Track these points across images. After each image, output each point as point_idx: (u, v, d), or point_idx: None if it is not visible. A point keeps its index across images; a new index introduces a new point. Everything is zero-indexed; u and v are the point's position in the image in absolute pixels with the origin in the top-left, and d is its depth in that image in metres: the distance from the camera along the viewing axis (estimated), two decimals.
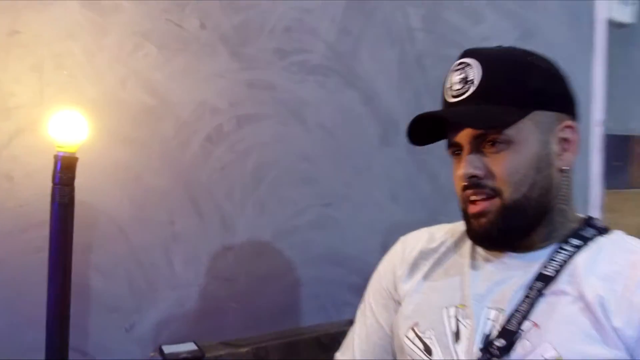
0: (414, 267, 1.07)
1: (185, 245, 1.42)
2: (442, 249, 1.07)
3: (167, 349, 1.35)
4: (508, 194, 0.94)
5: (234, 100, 1.47)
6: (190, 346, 1.36)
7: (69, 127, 1.05)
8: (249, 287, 1.52)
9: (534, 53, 1.01)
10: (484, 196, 0.95)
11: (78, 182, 1.28)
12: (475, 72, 0.96)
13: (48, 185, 1.25)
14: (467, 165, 0.95)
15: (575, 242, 0.97)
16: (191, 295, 1.44)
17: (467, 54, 0.99)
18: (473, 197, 0.96)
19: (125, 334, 1.36)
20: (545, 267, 0.96)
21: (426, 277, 1.05)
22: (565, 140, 0.98)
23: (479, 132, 0.95)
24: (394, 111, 1.76)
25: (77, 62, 1.27)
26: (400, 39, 1.77)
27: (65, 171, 1.04)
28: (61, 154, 1.04)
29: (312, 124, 1.60)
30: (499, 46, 1.02)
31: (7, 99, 1.21)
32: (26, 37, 1.22)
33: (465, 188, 0.97)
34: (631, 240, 0.98)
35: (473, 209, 0.96)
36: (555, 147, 0.97)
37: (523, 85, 0.96)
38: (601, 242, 0.97)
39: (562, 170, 0.98)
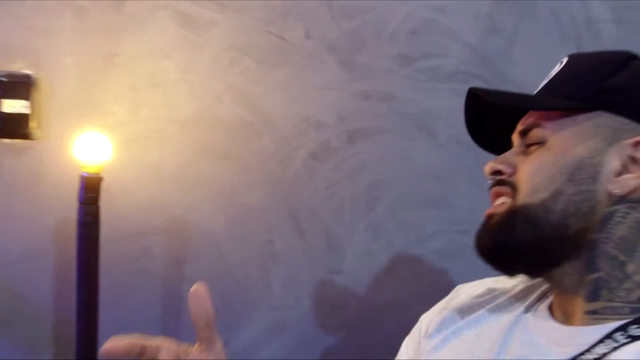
0: (447, 321, 0.86)
1: (285, 265, 1.37)
2: (491, 304, 0.84)
3: None
4: (522, 194, 0.73)
5: (343, 114, 1.36)
6: None
7: (93, 148, 1.08)
8: (362, 317, 1.40)
9: None
10: (504, 198, 0.76)
11: (173, 197, 1.33)
12: (558, 68, 0.81)
13: (143, 199, 1.32)
14: (494, 160, 0.77)
15: (636, 330, 0.67)
16: (292, 318, 1.38)
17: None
18: (495, 201, 0.77)
19: None
20: (576, 357, 0.69)
21: (456, 334, 0.84)
22: (633, 159, 0.71)
23: (524, 126, 0.77)
24: None
25: (171, 80, 1.31)
26: (575, 33, 1.45)
27: (89, 191, 1.07)
28: (85, 175, 1.08)
29: (444, 138, 1.40)
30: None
31: (106, 117, 1.30)
32: (123, 59, 1.30)
33: (490, 187, 0.78)
34: None
35: (487, 211, 0.77)
36: (614, 163, 0.71)
37: (595, 81, 0.75)
38: None
39: (616, 198, 0.70)
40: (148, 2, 1.29)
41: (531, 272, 0.76)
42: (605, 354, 0.66)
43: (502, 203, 0.75)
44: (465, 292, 0.89)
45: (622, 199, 0.70)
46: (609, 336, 0.67)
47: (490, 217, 0.75)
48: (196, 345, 0.70)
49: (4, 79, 1.25)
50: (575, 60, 0.79)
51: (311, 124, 1.35)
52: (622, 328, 0.67)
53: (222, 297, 1.35)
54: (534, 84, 1.38)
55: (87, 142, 1.10)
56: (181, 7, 1.30)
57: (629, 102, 0.73)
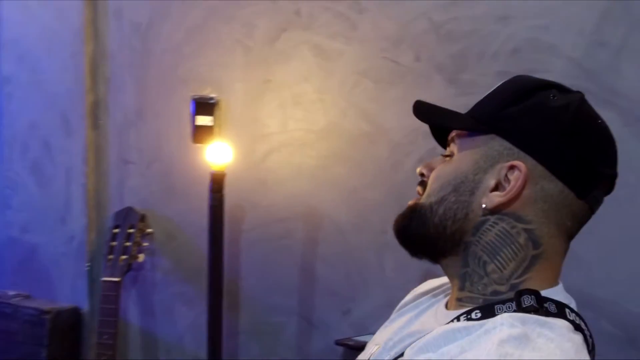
0: (403, 304, 1.04)
1: (396, 253, 1.59)
2: (432, 292, 1.00)
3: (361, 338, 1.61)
4: (424, 196, 0.88)
5: None
6: None
7: (218, 153, 1.47)
8: None
9: (569, 95, 0.85)
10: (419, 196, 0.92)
11: (309, 191, 1.69)
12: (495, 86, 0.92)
13: (288, 191, 1.71)
14: (422, 164, 0.91)
15: (475, 314, 0.83)
16: (400, 298, 1.61)
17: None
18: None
19: (342, 316, 1.67)
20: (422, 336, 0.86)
21: (400, 315, 1.01)
22: (506, 179, 0.82)
23: (448, 139, 0.90)
24: None
25: (310, 100, 1.66)
26: None
27: (215, 183, 1.47)
28: (213, 172, 1.48)
29: None
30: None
31: (263, 128, 1.71)
32: (275, 84, 1.69)
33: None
34: (514, 336, 0.74)
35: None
36: (490, 181, 0.83)
37: (498, 106, 0.86)
38: (487, 324, 0.77)
39: (488, 211, 0.82)
40: (293, 39, 1.66)
41: (427, 257, 0.89)
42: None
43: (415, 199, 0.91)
44: (428, 284, 1.03)
45: (493, 211, 0.81)
46: (457, 318, 0.81)
47: (406, 208, 0.90)
48: None
49: (198, 101, 1.74)
50: (507, 83, 0.88)
51: (420, 133, 1.58)
52: (467, 312, 0.80)
53: (345, 274, 1.67)
54: None
55: (214, 149, 1.52)
56: (317, 41, 1.64)
57: (516, 131, 0.82)
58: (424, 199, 0.88)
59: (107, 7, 1.82)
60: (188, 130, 1.77)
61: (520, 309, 0.79)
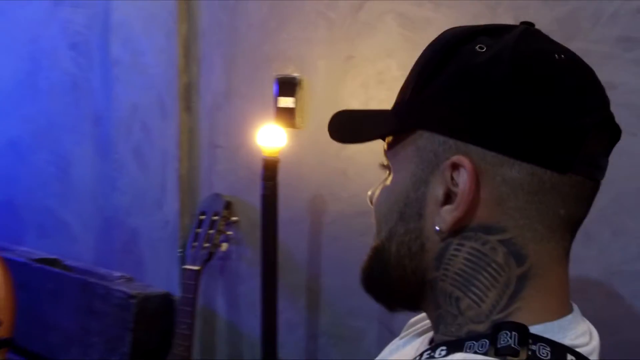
0: (410, 325, 0.85)
1: None
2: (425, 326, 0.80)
3: None
4: (375, 234, 0.69)
5: None
6: None
7: (270, 137, 1.30)
8: None
9: (503, 37, 0.60)
10: None
11: None
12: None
13: (370, 181, 1.51)
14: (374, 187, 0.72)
15: (442, 350, 0.60)
16: None
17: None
18: None
19: None
20: None
21: (396, 349, 0.83)
22: (455, 184, 0.59)
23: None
24: None
25: (393, 77, 1.44)
26: None
27: (267, 170, 1.30)
28: (265, 157, 1.31)
29: None
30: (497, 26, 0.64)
31: None
32: (357, 60, 1.49)
33: None
34: None
35: None
36: (437, 192, 0.60)
37: (417, 88, 0.62)
38: None
39: (445, 233, 0.60)
40: (377, 8, 1.45)
41: (405, 308, 0.68)
42: None
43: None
44: None
45: (453, 232, 0.59)
46: (420, 354, 0.63)
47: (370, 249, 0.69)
48: None
49: (282, 80, 1.60)
50: (425, 49, 0.65)
51: None
52: (432, 348, 0.61)
53: None
54: None
55: (267, 132, 1.36)
56: (402, 9, 1.42)
57: (440, 116, 0.58)
58: (376, 238, 0.67)
59: None
60: (272, 112, 1.64)
61: (494, 349, 0.57)
